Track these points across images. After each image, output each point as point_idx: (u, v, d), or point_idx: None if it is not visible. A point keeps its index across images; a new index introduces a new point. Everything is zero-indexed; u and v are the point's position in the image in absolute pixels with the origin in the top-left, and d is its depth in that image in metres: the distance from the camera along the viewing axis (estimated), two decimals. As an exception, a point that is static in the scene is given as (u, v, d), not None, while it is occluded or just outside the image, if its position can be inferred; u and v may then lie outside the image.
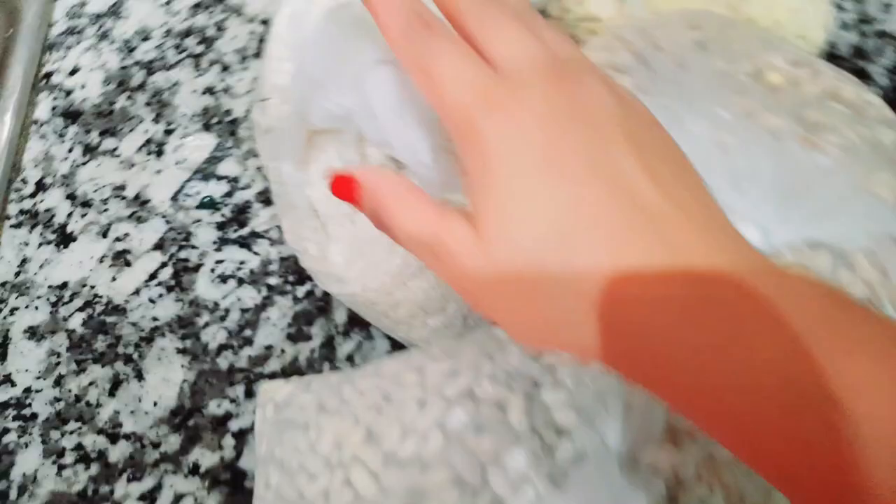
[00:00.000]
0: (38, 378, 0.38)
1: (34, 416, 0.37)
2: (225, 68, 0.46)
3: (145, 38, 0.47)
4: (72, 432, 0.36)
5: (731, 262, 0.19)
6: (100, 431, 0.37)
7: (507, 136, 0.21)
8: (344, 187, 0.24)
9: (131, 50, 0.47)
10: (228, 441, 0.37)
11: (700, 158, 0.31)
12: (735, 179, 0.31)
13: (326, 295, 0.40)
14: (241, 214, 0.42)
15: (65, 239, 0.41)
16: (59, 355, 0.38)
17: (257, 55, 0.47)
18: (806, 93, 0.36)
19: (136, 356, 0.38)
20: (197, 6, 0.48)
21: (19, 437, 0.36)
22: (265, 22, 0.48)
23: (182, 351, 0.39)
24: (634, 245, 0.19)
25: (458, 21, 0.23)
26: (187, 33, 0.47)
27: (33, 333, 0.38)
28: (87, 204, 0.42)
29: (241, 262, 0.41)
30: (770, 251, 0.30)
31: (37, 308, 0.39)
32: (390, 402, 0.28)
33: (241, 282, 0.40)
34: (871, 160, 0.33)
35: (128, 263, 0.40)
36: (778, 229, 0.31)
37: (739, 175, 0.31)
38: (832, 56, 0.50)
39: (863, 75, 0.49)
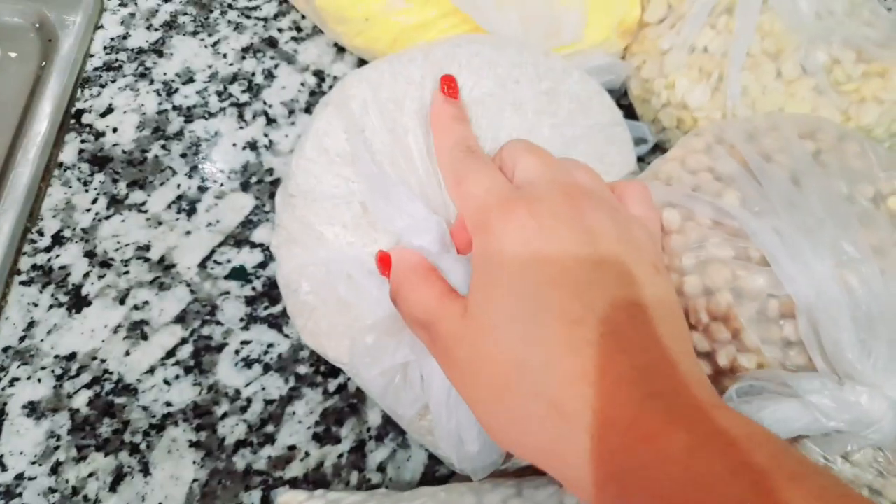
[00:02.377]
0: (34, 463, 0.34)
1: (23, 509, 0.33)
2: (270, 121, 0.43)
3: (187, 81, 0.44)
4: (63, 534, 0.32)
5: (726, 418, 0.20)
6: (95, 536, 0.33)
7: (512, 239, 0.24)
8: (382, 262, 0.29)
9: (171, 93, 0.43)
10: (238, 560, 0.33)
11: (822, 302, 0.27)
12: (859, 332, 0.27)
13: (360, 391, 0.36)
14: (273, 290, 0.38)
15: (78, 302, 0.37)
16: (59, 438, 0.34)
17: (307, 109, 0.43)
18: (935, 225, 0.31)
19: (143, 446, 0.34)
20: (246, 49, 0.45)
21: (4, 529, 0.33)
22: (317, 74, 0.45)
23: (195, 444, 0.35)
24: (602, 351, 0.21)
25: (502, 153, 0.29)
26: (233, 79, 0.44)
27: (33, 410, 0.35)
28: (106, 264, 0.38)
29: (269, 346, 0.37)
30: (892, 414, 0.26)
31: (39, 380, 0.35)
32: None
33: (267, 368, 0.37)
34: None
35: (144, 336, 0.37)
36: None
37: (864, 327, 0.27)
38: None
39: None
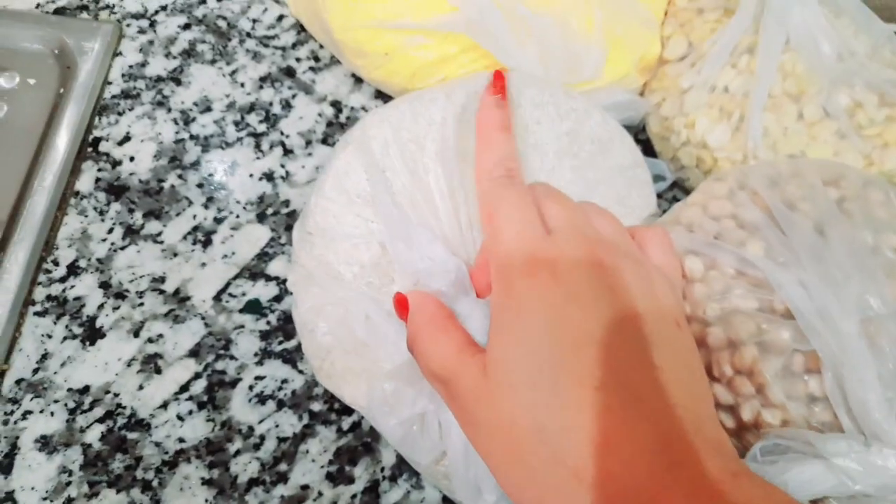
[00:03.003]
0: (45, 499, 0.34)
1: (34, 548, 0.33)
2: (287, 152, 0.43)
3: (205, 110, 0.44)
4: (74, 575, 0.32)
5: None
6: (105, 577, 0.32)
7: (534, 301, 0.24)
8: (400, 305, 0.29)
9: (188, 122, 0.43)
10: None
11: (847, 357, 0.27)
12: (886, 391, 0.26)
13: (374, 430, 0.36)
14: (287, 324, 0.38)
15: (93, 334, 0.37)
16: (71, 473, 0.34)
17: (324, 141, 0.43)
18: (961, 277, 0.31)
19: (155, 483, 0.34)
20: (264, 79, 0.45)
21: (13, 567, 0.32)
22: (335, 104, 0.45)
23: (207, 482, 0.34)
24: (620, 417, 0.21)
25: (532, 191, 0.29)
26: (250, 108, 0.44)
27: (45, 444, 0.35)
28: (121, 295, 0.38)
29: (283, 381, 0.37)
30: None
31: (52, 414, 0.35)
32: None
33: (281, 404, 0.36)
34: None
35: (158, 370, 0.36)
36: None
37: (891, 385, 0.27)
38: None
39: None
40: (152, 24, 0.47)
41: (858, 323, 0.28)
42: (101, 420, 0.36)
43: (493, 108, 0.32)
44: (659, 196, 0.43)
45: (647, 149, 0.44)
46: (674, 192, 0.43)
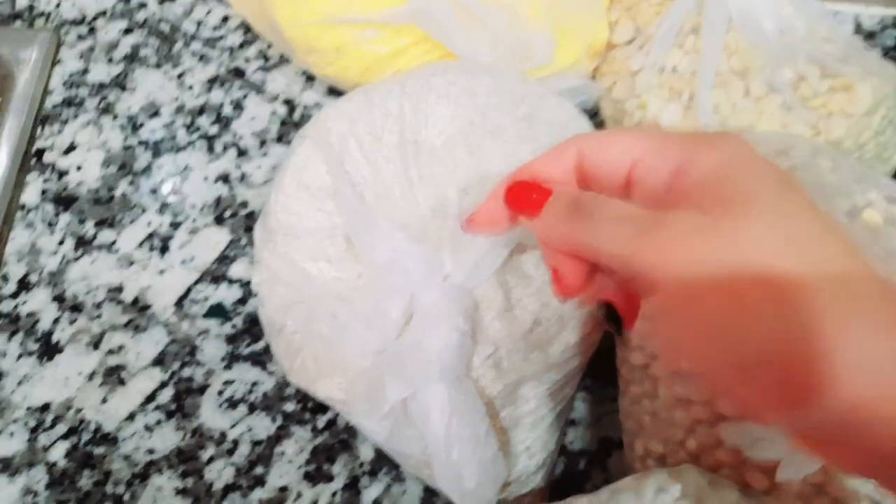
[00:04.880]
0: (8, 524, 0.33)
1: (1, 574, 0.32)
2: (241, 153, 0.43)
3: (153, 115, 0.44)
4: None
5: None
6: None
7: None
8: (526, 195, 0.23)
9: (136, 127, 0.43)
10: None
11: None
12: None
13: (350, 426, 0.37)
14: (254, 326, 0.38)
15: (49, 350, 0.36)
16: (35, 494, 0.34)
17: (279, 139, 0.44)
18: (905, 235, 0.33)
19: (127, 497, 0.34)
20: (213, 81, 0.45)
21: None
22: (287, 102, 0.45)
23: (182, 492, 0.34)
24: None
25: None
26: (200, 111, 0.44)
27: (6, 466, 0.34)
28: (76, 308, 0.37)
29: (253, 384, 0.37)
30: None
31: (12, 434, 0.35)
32: None
33: (252, 407, 0.36)
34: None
35: (121, 382, 0.36)
36: None
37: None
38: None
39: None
40: (92, 31, 0.46)
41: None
42: (64, 437, 0.35)
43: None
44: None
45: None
46: (630, 172, 0.45)
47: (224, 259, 0.40)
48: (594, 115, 0.46)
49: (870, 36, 0.55)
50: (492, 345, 0.31)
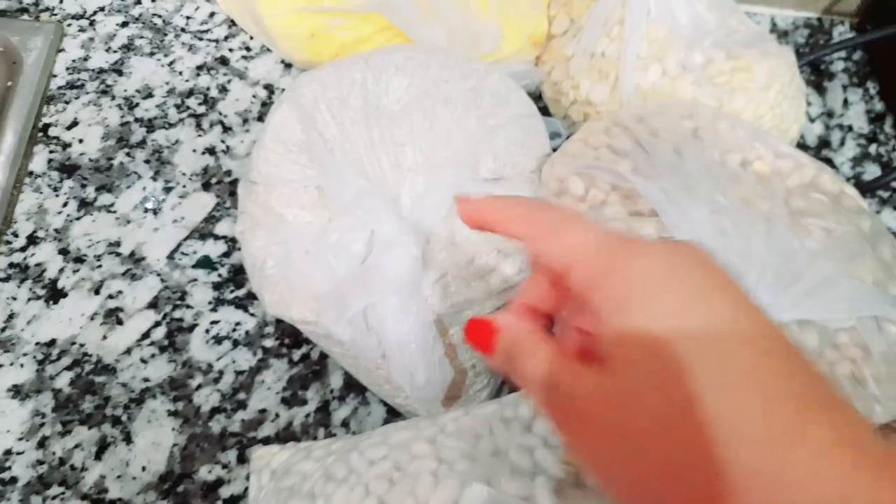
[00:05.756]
0: (21, 439, 0.37)
1: (14, 479, 0.36)
2: (226, 129, 0.48)
3: (147, 96, 0.48)
4: (54, 497, 0.36)
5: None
6: (84, 497, 0.36)
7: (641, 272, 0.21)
8: (480, 334, 0.25)
9: (132, 107, 0.48)
10: (219, 510, 0.36)
11: (703, 241, 0.34)
12: (734, 265, 0.33)
13: (322, 358, 0.41)
14: (237, 275, 0.43)
15: (55, 295, 0.40)
16: (43, 416, 0.37)
17: (259, 118, 0.48)
18: (790, 182, 0.39)
19: (124, 418, 0.38)
20: (200, 67, 0.50)
21: (-7, 503, 0.35)
22: (267, 87, 0.50)
23: (173, 413, 0.38)
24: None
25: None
26: (189, 93, 0.49)
27: (17, 392, 0.38)
28: (79, 260, 0.42)
29: (237, 324, 0.41)
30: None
31: (22, 366, 0.38)
32: (403, 473, 0.29)
33: (235, 343, 0.41)
34: (851, 245, 0.37)
35: (120, 322, 0.40)
36: (772, 310, 0.33)
37: (738, 259, 0.34)
38: (802, 147, 0.54)
39: (829, 164, 0.53)
40: (92, 23, 0.51)
41: (708, 214, 0.35)
42: (69, 368, 0.39)
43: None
44: (556, 150, 0.50)
45: (544, 112, 0.51)
46: (570, 146, 0.50)
47: (211, 219, 0.45)
48: (539, 99, 0.52)
49: (784, 34, 0.61)
50: (439, 270, 0.36)
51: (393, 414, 0.40)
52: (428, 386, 0.33)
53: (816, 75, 0.59)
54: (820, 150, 0.56)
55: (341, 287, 0.35)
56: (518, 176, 0.40)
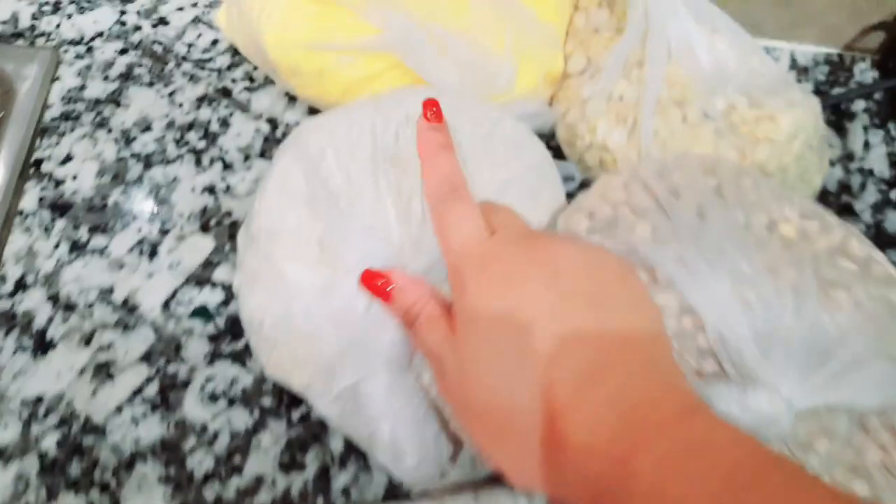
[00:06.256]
0: (2, 506, 0.34)
1: (-6, 552, 0.33)
2: (227, 166, 0.45)
3: (145, 129, 0.46)
4: (36, 573, 0.33)
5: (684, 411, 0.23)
6: (68, 573, 0.33)
7: (486, 297, 0.27)
8: (373, 284, 0.32)
9: (129, 141, 0.45)
10: (212, 587, 0.34)
11: (723, 315, 0.32)
12: (759, 339, 0.31)
13: (322, 421, 0.39)
14: (235, 326, 0.40)
15: (43, 346, 0.38)
16: (27, 481, 0.35)
17: (262, 154, 0.46)
18: (818, 247, 0.37)
19: (113, 483, 0.36)
20: (201, 99, 0.47)
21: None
22: (271, 121, 0.47)
23: (165, 479, 0.36)
24: (587, 419, 0.23)
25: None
26: (189, 127, 0.46)
27: (1, 454, 0.35)
28: (70, 307, 0.39)
29: (234, 380, 0.39)
30: (789, 418, 0.30)
31: (6, 425, 0.36)
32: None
33: (232, 402, 0.38)
34: (881, 319, 0.34)
35: (110, 376, 0.38)
36: (800, 395, 0.31)
37: (763, 334, 0.31)
38: (822, 192, 0.52)
39: (849, 211, 0.51)
40: (89, 50, 0.49)
41: (730, 286, 0.33)
42: (56, 427, 0.37)
43: (430, 130, 0.34)
44: (570, 195, 0.47)
45: (558, 153, 0.48)
46: (583, 190, 0.48)
47: (208, 264, 0.42)
48: (552, 139, 0.49)
49: (804, 71, 0.59)
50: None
51: (394, 483, 0.38)
52: (421, 466, 0.31)
53: (837, 115, 0.57)
54: (840, 195, 0.53)
55: (332, 358, 0.32)
56: (532, 232, 0.38)
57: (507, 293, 0.26)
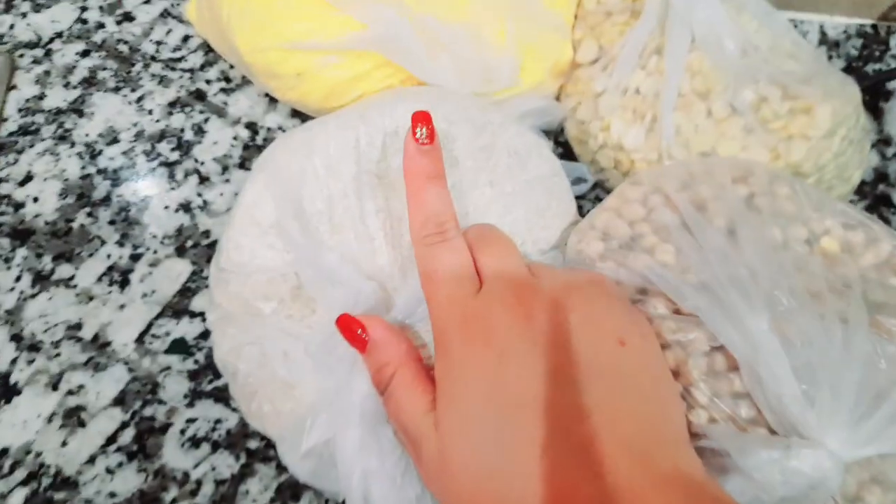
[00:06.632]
0: (-34, 574, 0.31)
1: None
2: (203, 180, 0.41)
3: (111, 142, 0.42)
4: None
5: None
6: None
7: (472, 369, 0.24)
8: (349, 331, 0.28)
9: (94, 155, 0.41)
10: None
11: (760, 353, 0.28)
12: (801, 383, 0.27)
13: (316, 461, 0.35)
14: (217, 360, 0.37)
15: (7, 392, 0.35)
16: (-7, 544, 0.32)
17: (241, 165, 0.42)
18: (863, 264, 0.32)
19: (87, 543, 0.32)
20: (173, 104, 0.43)
21: None
22: (250, 126, 0.43)
23: (144, 535, 0.33)
24: (567, 479, 0.21)
25: (466, 236, 0.29)
26: (161, 136, 0.42)
27: (-37, 515, 0.32)
28: (34, 348, 0.36)
29: (217, 422, 0.36)
30: (838, 477, 0.26)
31: (-32, 482, 0.33)
32: None
33: (216, 446, 0.35)
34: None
35: (81, 423, 0.35)
36: (850, 447, 0.27)
37: (806, 376, 0.27)
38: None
39: (887, 202, 0.46)
40: (48, 54, 0.44)
41: (768, 319, 0.28)
42: (23, 483, 0.34)
43: (419, 156, 0.29)
44: (581, 198, 0.43)
45: (567, 152, 0.44)
46: (596, 192, 0.44)
47: (186, 291, 0.38)
48: (560, 134, 0.45)
49: (835, 45, 0.54)
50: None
51: (396, 527, 0.35)
52: None
53: (870, 95, 0.52)
54: (876, 185, 0.48)
55: (306, 409, 0.29)
56: (538, 254, 0.34)
57: (494, 364, 0.24)
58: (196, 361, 0.37)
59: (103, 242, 0.39)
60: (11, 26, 0.45)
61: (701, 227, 0.31)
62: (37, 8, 0.45)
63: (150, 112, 0.43)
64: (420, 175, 0.29)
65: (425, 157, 0.29)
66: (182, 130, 0.43)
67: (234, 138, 0.43)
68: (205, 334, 0.38)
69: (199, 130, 0.43)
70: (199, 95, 0.44)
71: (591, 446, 0.22)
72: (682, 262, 0.31)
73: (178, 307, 0.38)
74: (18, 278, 0.38)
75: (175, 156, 0.42)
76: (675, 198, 0.33)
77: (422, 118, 0.29)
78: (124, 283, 0.38)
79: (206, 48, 0.45)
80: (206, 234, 0.40)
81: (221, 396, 0.36)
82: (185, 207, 0.41)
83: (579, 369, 0.23)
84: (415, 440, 0.25)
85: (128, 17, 0.46)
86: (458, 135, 0.34)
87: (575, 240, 0.34)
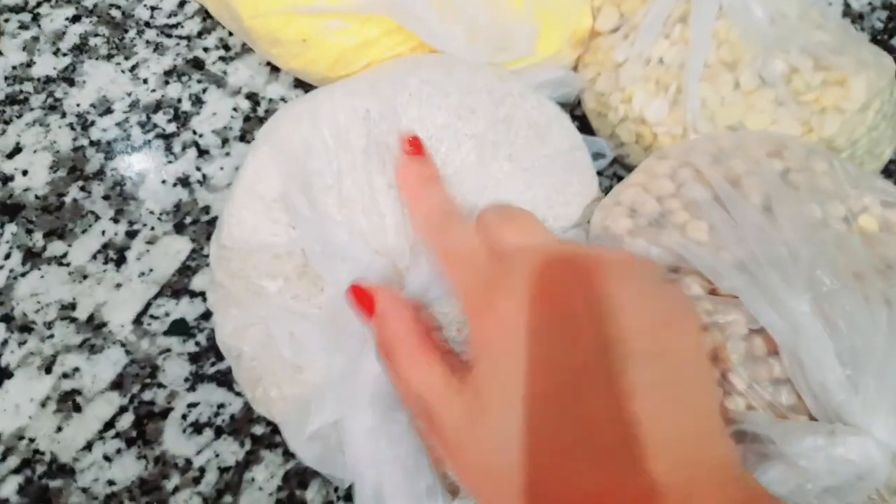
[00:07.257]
0: (-43, 567, 0.30)
1: None
2: (202, 153, 0.39)
3: (105, 112, 0.39)
4: None
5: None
6: None
7: (502, 347, 0.22)
8: (360, 301, 0.26)
9: (86, 126, 0.39)
10: None
11: (802, 337, 0.26)
12: (845, 368, 0.26)
13: (324, 448, 0.34)
14: (220, 342, 0.35)
15: (-3, 375, 0.33)
16: (-15, 535, 0.30)
17: (242, 138, 0.40)
18: (904, 242, 0.31)
19: (85, 534, 0.31)
20: (169, 73, 0.41)
21: None
22: (251, 97, 0.41)
23: (144, 526, 0.31)
24: (602, 478, 0.20)
25: (484, 218, 0.26)
26: (157, 107, 0.40)
27: (-48, 505, 0.31)
28: (26, 329, 0.34)
29: (220, 406, 0.34)
30: (886, 466, 0.25)
31: (-42, 471, 0.31)
32: None
33: (219, 431, 0.33)
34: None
35: (77, 408, 0.33)
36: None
37: (850, 362, 0.26)
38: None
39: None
40: (35, 18, 0.42)
41: (810, 301, 0.27)
42: (16, 471, 0.32)
43: (413, 162, 0.29)
44: (599, 174, 0.41)
45: (584, 125, 0.42)
46: (614, 168, 0.42)
47: (185, 270, 0.37)
48: (577, 107, 0.43)
49: (859, 17, 0.51)
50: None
51: (409, 517, 0.33)
52: None
53: None
54: (904, 162, 0.47)
55: (304, 394, 0.27)
56: (560, 232, 0.32)
57: (529, 330, 0.22)
58: (197, 343, 0.35)
59: (97, 218, 0.37)
60: (-4, -11, 0.42)
61: (736, 204, 0.29)
62: (23, -31, 0.43)
63: (145, 81, 0.41)
64: (417, 177, 0.29)
65: (416, 162, 0.29)
66: (179, 101, 0.41)
67: (235, 109, 0.41)
68: (206, 315, 0.36)
69: (197, 101, 0.41)
70: (197, 64, 0.42)
71: (632, 436, 0.20)
72: (717, 240, 0.29)
73: (177, 286, 0.36)
74: (8, 256, 0.36)
75: (172, 127, 0.40)
76: (707, 172, 0.31)
77: (410, 141, 0.30)
78: (120, 261, 0.36)
79: (204, 14, 0.43)
80: (206, 209, 0.38)
81: (224, 380, 0.35)
82: (184, 182, 0.39)
83: (622, 347, 0.21)
84: (429, 407, 0.23)
85: (120, -20, 0.43)
86: (476, 106, 0.32)
87: (600, 216, 0.32)
